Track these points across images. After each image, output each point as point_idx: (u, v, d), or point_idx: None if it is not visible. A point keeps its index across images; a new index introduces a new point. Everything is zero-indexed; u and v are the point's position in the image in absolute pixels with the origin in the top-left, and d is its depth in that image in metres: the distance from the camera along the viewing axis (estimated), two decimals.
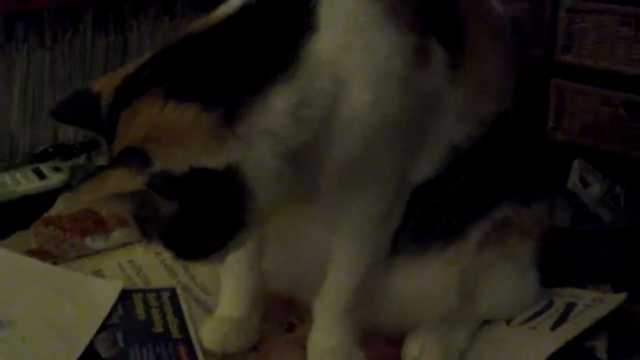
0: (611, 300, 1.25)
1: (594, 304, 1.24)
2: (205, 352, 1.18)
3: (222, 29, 0.99)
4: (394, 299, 1.16)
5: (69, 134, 1.81)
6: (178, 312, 1.26)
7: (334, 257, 1.11)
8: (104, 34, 1.80)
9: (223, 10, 1.01)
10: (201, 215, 0.96)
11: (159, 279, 1.35)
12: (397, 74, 1.00)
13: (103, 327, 1.22)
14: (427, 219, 1.13)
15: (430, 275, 1.15)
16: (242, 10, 0.99)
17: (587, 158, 1.69)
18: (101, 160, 1.70)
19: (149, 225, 0.99)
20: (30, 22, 1.71)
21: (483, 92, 1.11)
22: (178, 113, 0.93)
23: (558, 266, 1.33)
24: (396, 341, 1.19)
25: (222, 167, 0.93)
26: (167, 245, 1.01)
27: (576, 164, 1.67)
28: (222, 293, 1.22)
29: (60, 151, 1.75)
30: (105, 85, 1.01)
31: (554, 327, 1.20)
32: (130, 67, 1.01)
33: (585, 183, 1.65)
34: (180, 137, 0.93)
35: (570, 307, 1.24)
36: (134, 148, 0.93)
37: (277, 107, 0.95)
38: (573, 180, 1.66)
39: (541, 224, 1.23)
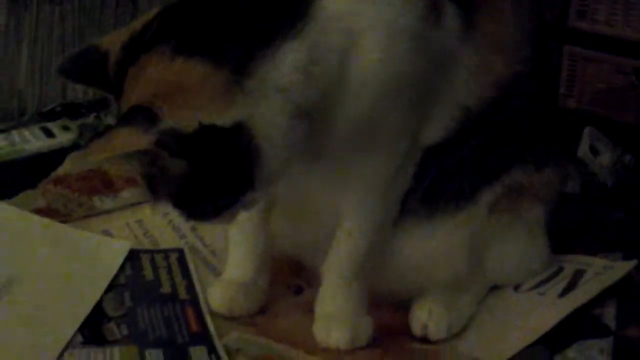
0: (620, 267, 1.25)
1: (603, 271, 1.24)
2: (212, 314, 1.18)
3: None
4: (402, 263, 1.16)
5: (78, 92, 1.80)
6: (186, 273, 1.26)
7: (343, 220, 1.11)
8: None
9: None
10: (210, 174, 0.95)
11: (167, 239, 1.34)
12: (409, 31, 0.99)
13: (111, 286, 1.22)
14: (437, 182, 1.12)
15: (439, 239, 1.15)
16: None
17: (598, 126, 1.67)
18: (110, 120, 1.69)
19: (158, 185, 0.99)
20: None
21: (497, 52, 1.10)
22: (186, 69, 0.92)
23: (568, 233, 1.32)
24: (403, 306, 1.19)
25: (230, 123, 0.93)
26: (176, 204, 1.00)
27: (587, 132, 1.66)
28: (230, 255, 1.22)
29: (69, 110, 1.74)
30: (112, 42, 1.00)
31: (562, 294, 1.20)
32: (137, 23, 1.00)
33: (595, 152, 1.64)
34: (189, 93, 0.92)
35: (579, 274, 1.24)
36: (142, 106, 0.92)
37: (287, 62, 0.94)
38: (583, 149, 1.65)
39: (552, 188, 1.22)
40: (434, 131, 1.09)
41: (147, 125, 0.91)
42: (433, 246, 1.15)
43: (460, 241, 1.16)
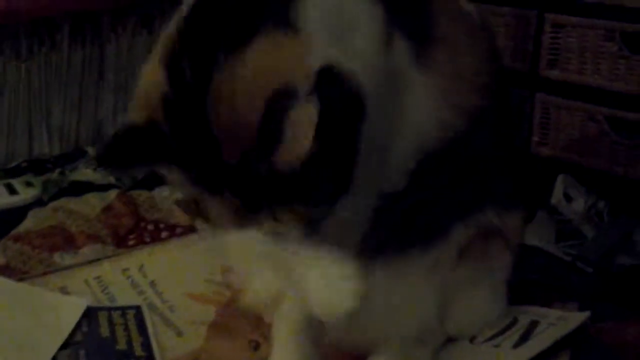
0: (575, 318, 1.23)
1: (557, 322, 1.22)
2: None
3: None
4: (367, 312, 1.13)
5: (44, 147, 1.79)
6: (142, 330, 1.24)
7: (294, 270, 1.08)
8: (80, 47, 1.79)
9: None
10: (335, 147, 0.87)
11: (126, 296, 1.33)
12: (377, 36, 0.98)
13: (66, 344, 1.20)
14: (410, 215, 1.10)
15: (408, 284, 1.12)
16: None
17: (572, 173, 1.67)
18: (75, 175, 1.69)
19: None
20: (5, 35, 1.69)
21: (459, 80, 1.09)
22: (288, 41, 0.86)
23: (526, 283, 1.31)
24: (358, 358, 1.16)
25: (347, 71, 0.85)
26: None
27: (561, 179, 1.66)
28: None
29: (34, 166, 1.74)
30: (141, 110, 0.88)
31: (516, 345, 1.18)
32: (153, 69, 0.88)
33: (569, 198, 1.63)
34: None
35: (533, 325, 1.22)
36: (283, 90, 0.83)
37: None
38: (557, 196, 1.64)
39: (518, 234, 1.21)
40: (394, 177, 1.07)
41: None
42: (402, 293, 1.13)
43: (431, 287, 1.13)
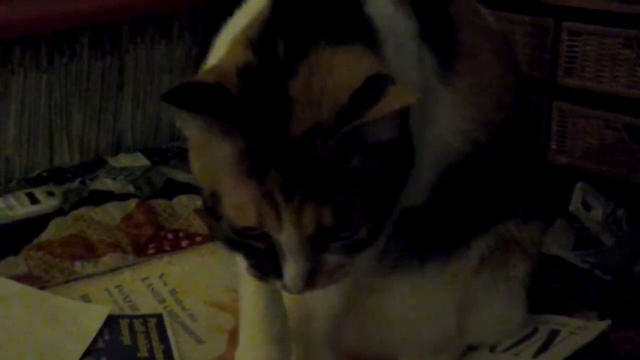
0: (595, 327, 1.23)
1: (578, 331, 1.22)
2: None
3: None
4: (388, 320, 1.13)
5: (65, 157, 1.80)
6: (164, 338, 1.25)
7: None
8: (100, 57, 1.80)
9: None
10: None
11: (146, 304, 1.33)
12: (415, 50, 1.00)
13: (88, 351, 1.21)
14: (433, 227, 1.11)
15: (429, 293, 1.13)
16: None
17: (589, 181, 1.66)
18: (95, 185, 1.70)
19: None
20: (26, 45, 1.71)
21: (482, 94, 1.10)
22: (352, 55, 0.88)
23: (545, 292, 1.31)
24: None
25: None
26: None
27: (579, 187, 1.65)
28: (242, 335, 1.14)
29: (55, 175, 1.75)
30: (212, 74, 0.87)
31: (536, 354, 1.18)
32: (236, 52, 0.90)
33: (587, 206, 1.62)
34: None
35: (553, 334, 1.22)
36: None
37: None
38: (575, 204, 1.63)
39: (537, 244, 1.21)
40: (416, 192, 1.07)
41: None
42: (423, 301, 1.13)
43: (451, 297, 1.14)
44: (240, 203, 0.85)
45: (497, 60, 1.14)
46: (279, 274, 0.87)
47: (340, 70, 0.86)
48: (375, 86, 0.83)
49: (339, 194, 0.84)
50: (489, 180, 1.12)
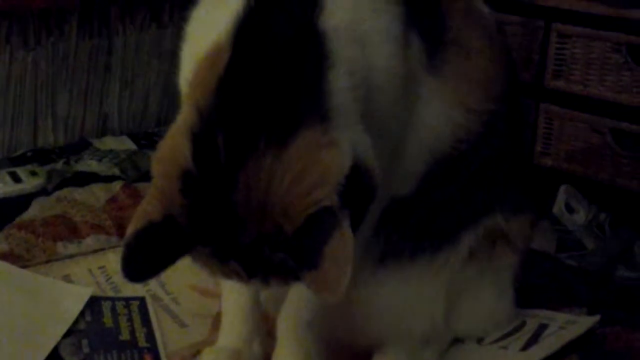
0: (583, 322, 1.24)
1: (566, 326, 1.23)
2: None
3: (242, 50, 0.89)
4: (374, 312, 1.13)
5: (49, 137, 1.79)
6: (146, 321, 1.24)
7: None
8: (88, 38, 1.78)
9: (225, 29, 0.91)
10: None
11: (129, 287, 1.31)
12: (399, 39, 0.99)
13: (69, 332, 1.20)
14: (424, 219, 1.11)
15: (418, 284, 1.13)
16: (248, 16, 0.91)
17: (574, 184, 1.67)
18: (80, 166, 1.68)
19: None
20: (14, 23, 1.69)
21: (473, 84, 1.09)
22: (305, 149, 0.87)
23: (534, 287, 1.31)
24: (363, 356, 1.16)
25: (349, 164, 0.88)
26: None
27: (563, 189, 1.66)
28: (223, 322, 1.16)
29: (39, 155, 1.73)
30: (155, 209, 0.88)
31: (524, 347, 1.18)
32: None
33: (570, 209, 1.63)
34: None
35: (542, 328, 1.23)
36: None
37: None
38: (559, 206, 1.64)
39: (525, 237, 1.21)
40: (404, 181, 1.07)
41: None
42: (411, 292, 1.13)
43: (439, 289, 1.13)
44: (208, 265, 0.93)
45: (489, 49, 1.13)
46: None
47: (282, 180, 0.85)
48: (327, 219, 0.84)
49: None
50: (480, 172, 1.12)
